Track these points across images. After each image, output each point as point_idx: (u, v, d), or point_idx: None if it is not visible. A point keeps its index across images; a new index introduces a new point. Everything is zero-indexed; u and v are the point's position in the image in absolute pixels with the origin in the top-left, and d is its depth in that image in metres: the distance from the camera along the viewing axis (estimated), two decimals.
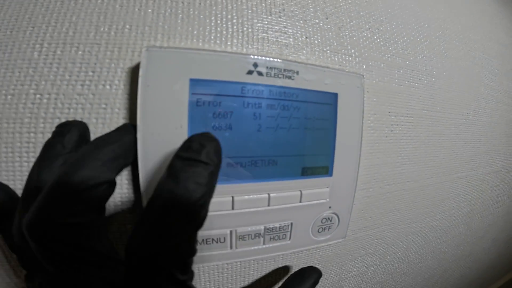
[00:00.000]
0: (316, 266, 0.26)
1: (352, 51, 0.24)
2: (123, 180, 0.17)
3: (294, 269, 0.25)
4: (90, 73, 0.16)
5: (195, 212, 0.12)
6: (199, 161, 0.12)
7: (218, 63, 0.16)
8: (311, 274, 0.22)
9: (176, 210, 0.11)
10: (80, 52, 0.17)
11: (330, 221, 0.22)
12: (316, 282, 0.22)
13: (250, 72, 0.17)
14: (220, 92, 0.16)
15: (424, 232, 0.34)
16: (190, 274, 0.14)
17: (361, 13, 0.26)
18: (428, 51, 0.29)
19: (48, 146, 0.14)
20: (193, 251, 0.13)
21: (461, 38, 0.34)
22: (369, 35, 0.25)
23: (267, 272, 0.24)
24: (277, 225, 0.20)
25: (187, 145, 0.13)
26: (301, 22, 0.22)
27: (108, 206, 0.17)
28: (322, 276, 0.28)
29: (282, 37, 0.21)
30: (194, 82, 0.16)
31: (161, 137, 0.15)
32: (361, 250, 0.29)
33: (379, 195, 0.26)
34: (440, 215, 0.34)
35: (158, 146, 0.15)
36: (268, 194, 0.18)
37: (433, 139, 0.29)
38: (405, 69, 0.27)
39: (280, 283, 0.23)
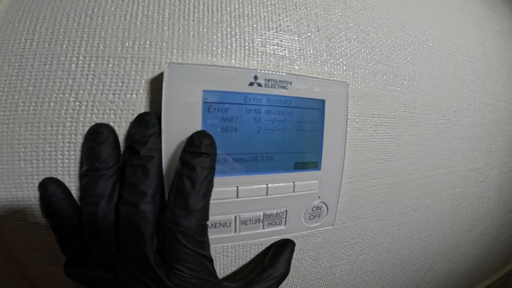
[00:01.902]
0: (307, 252, 0.32)
1: (340, 60, 0.30)
2: None
3: None
4: (120, 84, 0.22)
5: (206, 184, 0.20)
6: (201, 153, 0.19)
7: (226, 77, 0.22)
8: (286, 245, 0.28)
9: (194, 184, 0.19)
10: (110, 65, 0.22)
11: (320, 209, 0.28)
12: (292, 250, 0.28)
13: (251, 84, 0.22)
14: (227, 100, 0.22)
15: (409, 224, 0.40)
16: (207, 238, 0.21)
17: (350, 24, 0.31)
18: (412, 57, 0.35)
19: (93, 152, 0.20)
20: (207, 215, 0.20)
21: (445, 42, 0.40)
22: (356, 45, 0.31)
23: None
24: (274, 211, 0.26)
25: (190, 142, 0.20)
26: (296, 35, 0.28)
27: None
28: (315, 262, 0.34)
29: (279, 50, 0.26)
30: (206, 93, 0.21)
31: (180, 138, 0.21)
32: (350, 239, 0.35)
33: (365, 188, 0.32)
34: (424, 209, 0.41)
35: (178, 145, 0.21)
36: (267, 184, 0.24)
37: (415, 138, 0.35)
38: (388, 75, 0.33)
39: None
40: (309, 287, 0.36)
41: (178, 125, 0.21)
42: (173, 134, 0.21)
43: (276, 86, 0.23)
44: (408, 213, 0.39)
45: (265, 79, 0.23)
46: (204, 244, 0.20)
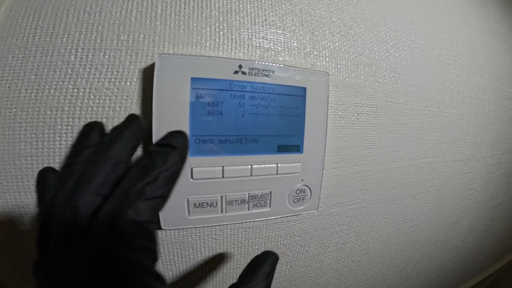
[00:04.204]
0: (294, 238, 0.35)
1: (323, 52, 0.32)
2: None
3: (275, 237, 0.33)
4: (115, 73, 0.24)
5: (162, 178, 0.16)
6: (166, 144, 0.17)
7: (212, 66, 0.24)
8: (264, 258, 0.25)
9: (145, 172, 0.16)
10: (106, 56, 0.24)
11: (303, 192, 0.30)
12: (273, 263, 0.25)
13: (236, 72, 0.25)
14: (213, 87, 0.24)
15: (395, 213, 0.43)
16: (152, 246, 0.16)
17: (333, 19, 0.34)
18: (394, 50, 0.38)
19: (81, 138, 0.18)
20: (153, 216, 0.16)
21: (428, 37, 0.43)
22: (339, 38, 0.34)
23: (253, 239, 0.32)
24: (259, 192, 0.28)
25: (163, 136, 0.18)
26: (280, 30, 0.30)
27: None
28: (303, 248, 0.37)
29: (264, 43, 0.29)
30: (194, 80, 0.24)
31: (170, 120, 0.23)
32: (336, 226, 0.38)
33: (349, 175, 0.35)
34: (409, 198, 0.43)
35: (167, 126, 0.23)
36: (251, 165, 0.27)
37: (397, 127, 0.38)
38: (370, 67, 0.35)
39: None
40: (298, 274, 0.38)
41: (168, 109, 0.23)
42: (163, 117, 0.23)
43: (259, 74, 0.26)
44: (393, 202, 0.41)
45: (249, 68, 0.25)
46: (143, 250, 0.15)
